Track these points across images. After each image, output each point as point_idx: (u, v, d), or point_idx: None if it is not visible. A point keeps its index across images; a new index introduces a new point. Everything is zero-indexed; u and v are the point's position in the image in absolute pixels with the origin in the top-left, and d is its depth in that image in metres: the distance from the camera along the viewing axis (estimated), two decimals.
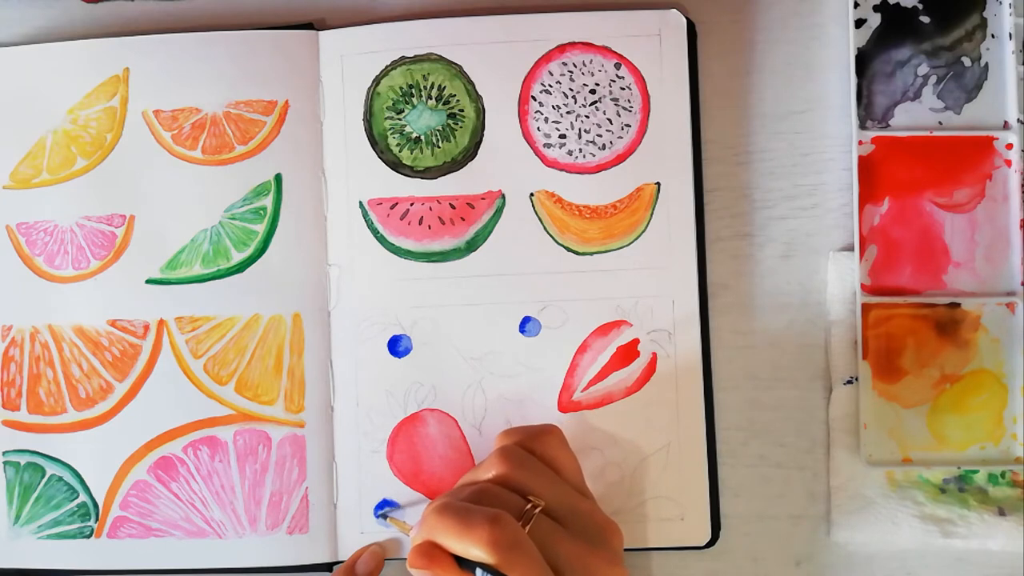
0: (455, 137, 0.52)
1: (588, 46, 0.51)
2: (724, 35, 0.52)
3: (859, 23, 0.51)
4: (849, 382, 0.51)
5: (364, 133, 0.52)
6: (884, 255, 0.51)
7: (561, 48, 0.52)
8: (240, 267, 0.51)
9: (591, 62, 0.51)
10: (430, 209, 0.51)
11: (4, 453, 0.52)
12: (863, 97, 0.51)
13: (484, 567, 0.39)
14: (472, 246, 0.51)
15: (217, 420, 0.51)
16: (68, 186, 0.52)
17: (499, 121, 0.51)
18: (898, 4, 0.51)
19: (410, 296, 0.51)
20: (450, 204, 0.51)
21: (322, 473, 0.51)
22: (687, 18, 0.51)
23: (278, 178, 0.52)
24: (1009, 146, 0.51)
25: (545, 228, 0.51)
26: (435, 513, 0.41)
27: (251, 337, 0.51)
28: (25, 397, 0.52)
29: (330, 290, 0.52)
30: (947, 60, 0.51)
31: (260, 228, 0.51)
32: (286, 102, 0.52)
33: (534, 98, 0.52)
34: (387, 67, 0.52)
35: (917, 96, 0.51)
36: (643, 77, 0.51)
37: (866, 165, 0.51)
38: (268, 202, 0.52)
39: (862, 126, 0.51)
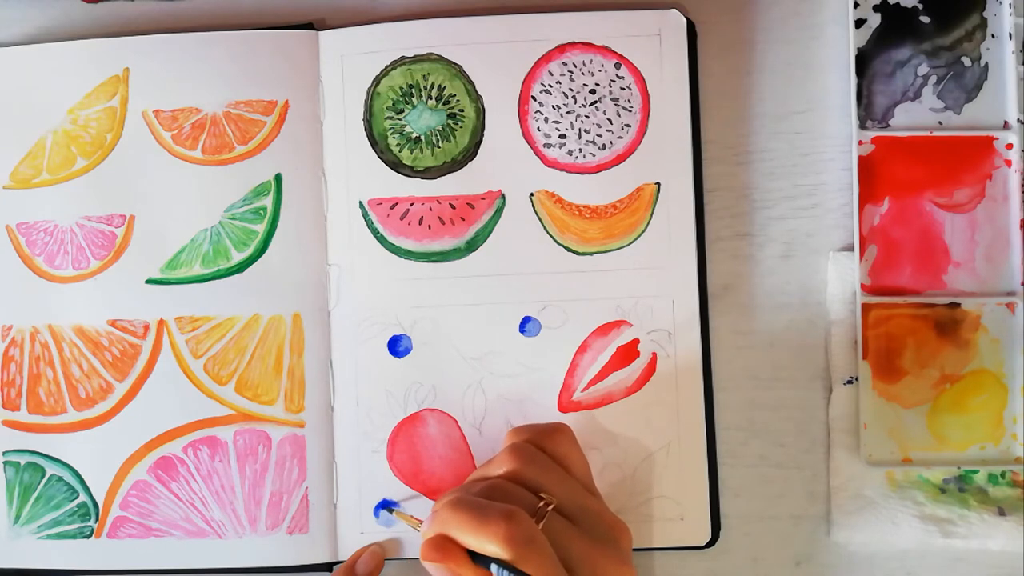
0: (455, 137, 0.52)
1: (588, 46, 0.51)
2: (724, 35, 0.52)
3: (859, 23, 0.51)
4: (849, 382, 0.51)
5: (364, 133, 0.52)
6: (884, 255, 0.51)
7: (561, 48, 0.52)
8: (240, 267, 0.51)
9: (591, 62, 0.51)
10: (430, 209, 0.51)
11: (4, 453, 0.52)
12: (863, 97, 0.51)
13: (499, 562, 0.39)
14: (472, 246, 0.51)
15: (217, 420, 0.51)
16: (68, 186, 0.52)
17: (499, 121, 0.51)
18: (898, 4, 0.51)
19: (410, 296, 0.51)
20: (450, 204, 0.51)
21: (322, 473, 0.51)
22: (687, 18, 0.51)
23: (278, 178, 0.52)
24: (1009, 146, 0.51)
25: (545, 228, 0.51)
26: (450, 507, 0.41)
27: (251, 337, 0.51)
28: (25, 397, 0.52)
29: (330, 290, 0.52)
30: (947, 60, 0.51)
31: (260, 228, 0.51)
32: (286, 102, 0.52)
33: (534, 98, 0.52)
34: (387, 67, 0.52)
35: (917, 96, 0.51)
36: (643, 77, 0.51)
37: (866, 165, 0.51)
38: (268, 202, 0.52)
39: (862, 126, 0.51)
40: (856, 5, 0.51)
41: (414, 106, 0.52)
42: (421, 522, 0.46)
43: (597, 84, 0.51)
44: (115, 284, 0.52)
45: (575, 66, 0.51)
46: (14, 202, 0.52)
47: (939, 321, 0.50)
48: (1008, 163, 0.51)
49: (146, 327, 0.51)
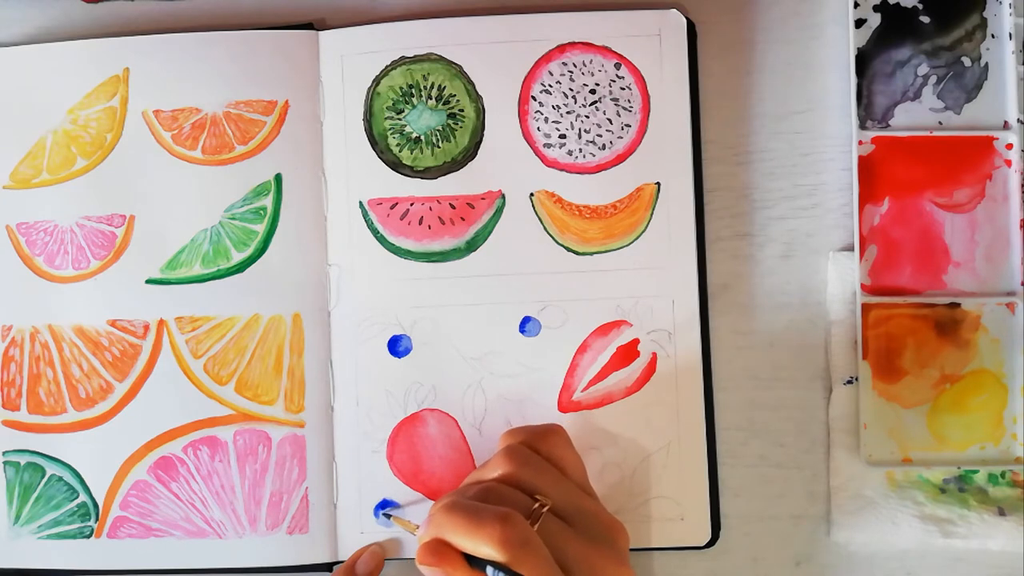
0: (455, 137, 0.52)
1: (588, 46, 0.51)
2: (724, 35, 0.52)
3: (859, 23, 0.51)
4: (849, 382, 0.51)
5: (364, 133, 0.52)
6: (884, 255, 0.51)
7: (561, 48, 0.52)
8: (240, 267, 0.51)
9: (591, 62, 0.51)
10: (430, 209, 0.51)
11: (4, 453, 0.52)
12: (863, 97, 0.51)
13: (495, 565, 0.39)
14: (472, 246, 0.51)
15: (217, 420, 0.51)
16: (68, 186, 0.52)
17: (499, 121, 0.51)
18: (898, 4, 0.51)
19: (410, 296, 0.51)
20: (450, 204, 0.51)
21: (322, 473, 0.51)
22: (687, 18, 0.51)
23: (278, 178, 0.52)
24: (1009, 146, 0.51)
25: (545, 228, 0.51)
26: (444, 511, 0.41)
27: (251, 337, 0.51)
28: (25, 397, 0.52)
29: (330, 290, 0.52)
30: (947, 60, 0.51)
31: (260, 228, 0.51)
32: (286, 102, 0.52)
33: (534, 98, 0.52)
34: (387, 67, 0.52)
35: (917, 96, 0.51)
36: (643, 77, 0.51)
37: (866, 165, 0.51)
38: (268, 202, 0.52)
39: (862, 126, 0.51)
40: (856, 5, 0.51)
41: (414, 106, 0.52)
42: (417, 526, 0.46)
43: (597, 84, 0.51)
44: (115, 284, 0.52)
45: (575, 66, 0.51)
46: (14, 202, 0.52)
47: (939, 321, 0.50)
48: (1008, 163, 0.51)
49: (146, 327, 0.51)
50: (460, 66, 0.52)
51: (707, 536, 0.50)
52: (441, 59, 0.52)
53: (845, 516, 0.50)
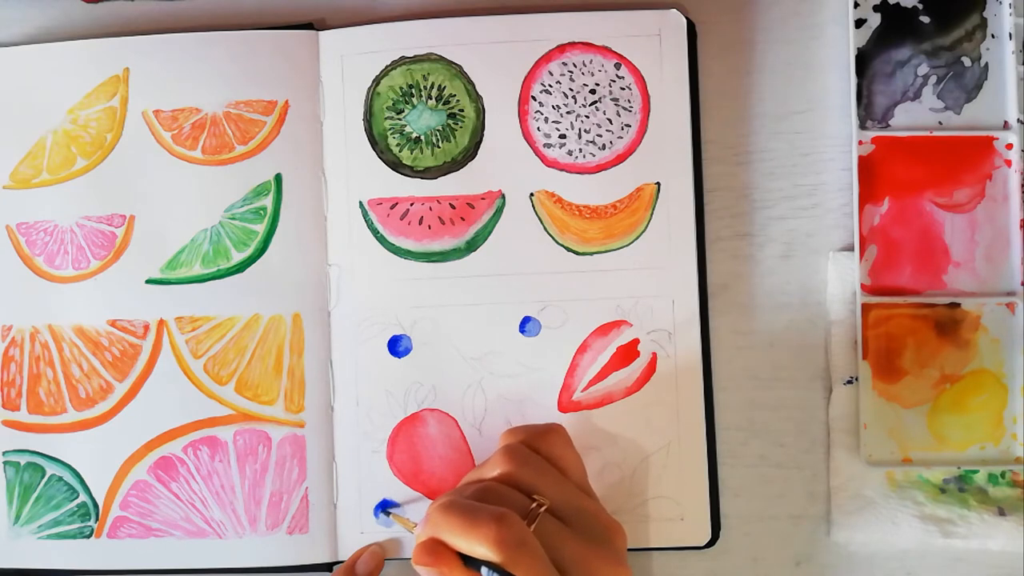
0: (455, 137, 0.52)
1: (588, 46, 0.51)
2: (724, 35, 0.52)
3: (859, 23, 0.51)
4: (849, 382, 0.51)
5: (364, 133, 0.52)
6: (884, 255, 0.51)
7: (561, 48, 0.52)
8: (240, 267, 0.51)
9: (591, 62, 0.51)
10: (430, 209, 0.51)
11: (4, 453, 0.52)
12: (863, 97, 0.51)
13: (490, 565, 0.39)
14: (472, 246, 0.51)
15: (217, 420, 0.51)
16: (68, 186, 0.52)
17: (499, 121, 0.51)
18: (898, 4, 0.51)
19: (410, 296, 0.51)
20: (450, 204, 0.51)
21: (322, 473, 0.51)
22: (687, 18, 0.51)
23: (278, 178, 0.52)
24: (1009, 146, 0.51)
25: (545, 228, 0.51)
26: (440, 511, 0.41)
27: (251, 337, 0.51)
28: (25, 397, 0.52)
29: (330, 290, 0.52)
30: (947, 60, 0.51)
31: (260, 228, 0.52)
32: (286, 102, 0.52)
33: (534, 98, 0.52)
34: (387, 67, 0.52)
35: (917, 96, 0.51)
36: (643, 77, 0.51)
37: (866, 165, 0.51)
38: (268, 202, 0.52)
39: (862, 126, 0.51)
40: (856, 5, 0.51)
41: (414, 106, 0.52)
42: (415, 525, 0.46)
43: (597, 84, 0.51)
44: (115, 284, 0.52)
45: (575, 66, 0.51)
46: (14, 202, 0.52)
47: (939, 321, 0.50)
48: (1008, 163, 0.51)
49: (146, 327, 0.51)
50: (460, 66, 0.52)
51: (707, 536, 0.50)
52: (441, 59, 0.52)
53: (845, 516, 0.50)
